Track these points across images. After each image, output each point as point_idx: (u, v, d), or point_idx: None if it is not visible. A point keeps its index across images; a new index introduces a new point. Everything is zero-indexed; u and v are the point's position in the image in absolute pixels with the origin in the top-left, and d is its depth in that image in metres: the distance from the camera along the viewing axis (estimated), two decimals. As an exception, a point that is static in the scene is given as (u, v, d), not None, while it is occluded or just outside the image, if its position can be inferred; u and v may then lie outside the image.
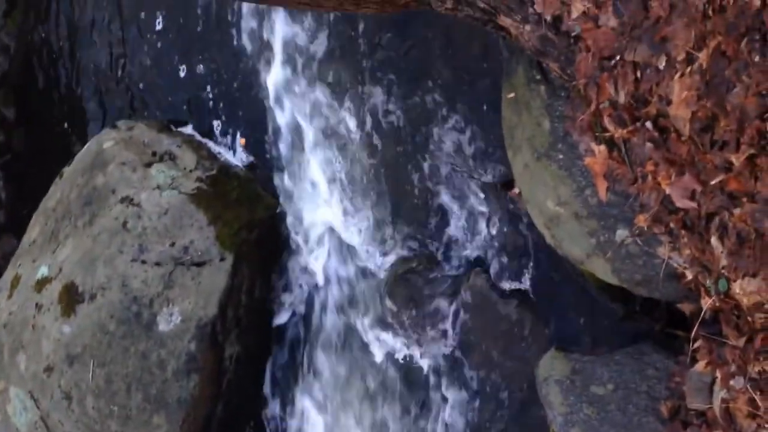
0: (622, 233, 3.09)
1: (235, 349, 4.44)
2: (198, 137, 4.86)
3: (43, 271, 4.68)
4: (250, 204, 4.53)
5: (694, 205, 2.66)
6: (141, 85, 5.20)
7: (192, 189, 4.52)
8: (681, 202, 2.69)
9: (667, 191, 2.71)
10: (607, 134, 2.85)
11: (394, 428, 4.31)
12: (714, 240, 2.66)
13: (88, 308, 4.40)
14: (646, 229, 2.92)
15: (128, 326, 4.33)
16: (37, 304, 4.59)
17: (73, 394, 4.36)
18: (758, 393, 2.69)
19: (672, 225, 2.81)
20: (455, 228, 4.04)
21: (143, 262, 4.40)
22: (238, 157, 4.76)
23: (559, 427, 3.41)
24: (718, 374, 2.88)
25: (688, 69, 2.51)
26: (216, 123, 4.85)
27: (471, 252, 4.01)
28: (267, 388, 4.66)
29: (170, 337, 4.28)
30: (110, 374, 4.31)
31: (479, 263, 3.99)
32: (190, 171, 4.60)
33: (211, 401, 4.42)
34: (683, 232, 2.78)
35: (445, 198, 4.06)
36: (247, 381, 4.59)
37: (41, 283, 4.65)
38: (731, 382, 2.79)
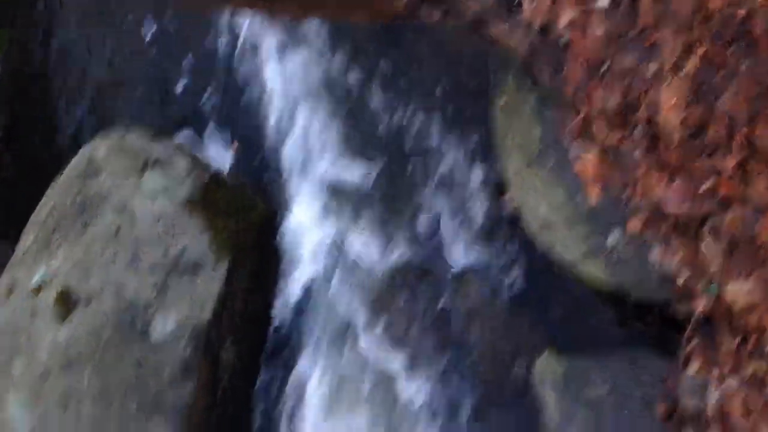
0: (614, 238, 3.11)
1: (231, 355, 4.44)
2: (191, 144, 4.86)
3: (37, 278, 4.68)
4: (244, 210, 4.52)
5: (685, 209, 2.68)
6: (131, 97, 5.19)
7: (185, 196, 4.52)
8: (672, 207, 2.71)
9: (659, 196, 2.73)
10: (598, 140, 2.86)
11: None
12: (706, 243, 2.68)
13: (83, 315, 4.39)
14: (638, 233, 2.93)
15: (123, 333, 4.32)
16: (31, 312, 4.58)
17: (69, 401, 4.36)
18: (752, 393, 2.71)
19: (664, 229, 2.83)
20: (449, 232, 4.04)
21: (137, 269, 4.40)
22: (231, 164, 4.76)
23: (555, 430, 3.43)
24: (713, 376, 2.90)
25: (677, 76, 2.52)
26: (208, 130, 4.84)
27: (464, 257, 4.01)
28: (262, 394, 4.65)
29: (165, 344, 4.28)
30: (105, 381, 4.31)
31: (472, 268, 4.00)
32: (183, 178, 4.60)
33: (206, 408, 4.42)
34: (675, 235, 2.79)
35: (440, 203, 4.07)
36: (243, 388, 4.59)
37: (35, 291, 4.64)
38: (725, 384, 2.81)
